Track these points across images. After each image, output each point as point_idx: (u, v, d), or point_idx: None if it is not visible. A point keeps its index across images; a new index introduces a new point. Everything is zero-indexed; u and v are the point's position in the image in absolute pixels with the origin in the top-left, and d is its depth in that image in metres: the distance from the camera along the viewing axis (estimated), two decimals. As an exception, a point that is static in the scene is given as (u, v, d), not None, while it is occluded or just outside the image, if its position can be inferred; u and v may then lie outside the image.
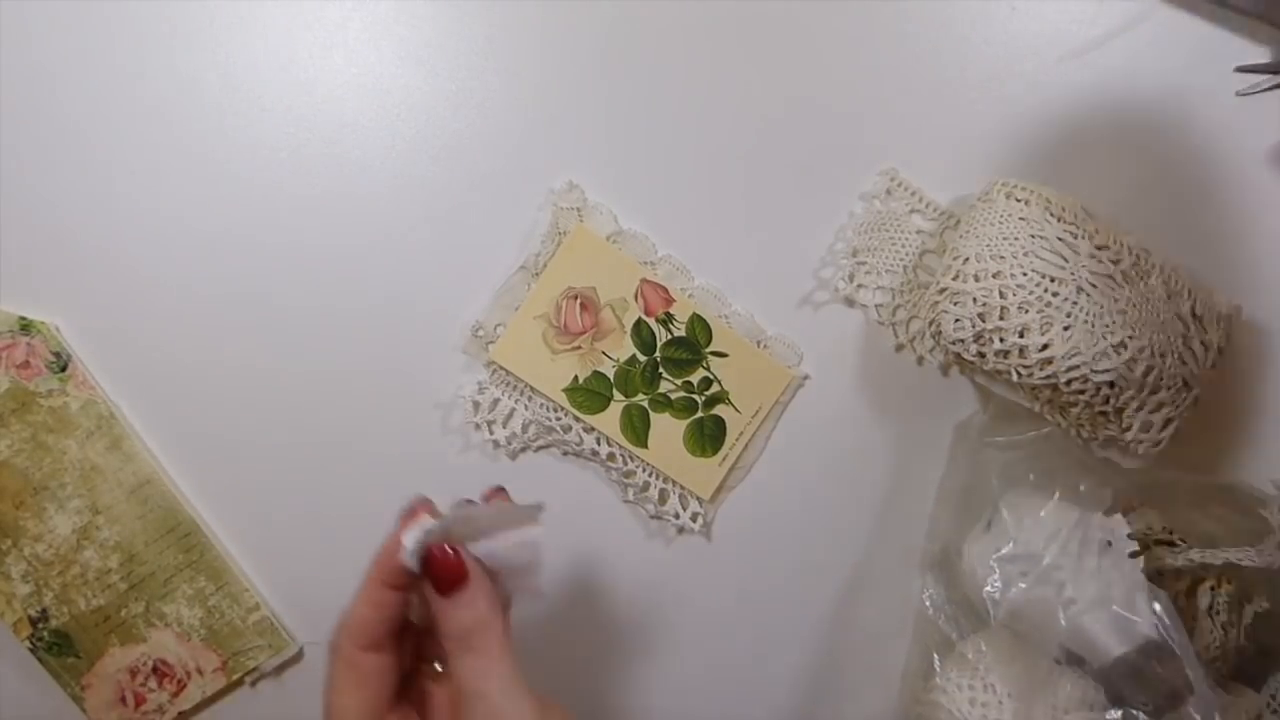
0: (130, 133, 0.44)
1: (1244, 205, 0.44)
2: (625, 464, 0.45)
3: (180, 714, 0.47)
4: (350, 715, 0.32)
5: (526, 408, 0.45)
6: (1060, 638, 0.38)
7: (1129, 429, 0.41)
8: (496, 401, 0.45)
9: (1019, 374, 0.40)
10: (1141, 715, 0.37)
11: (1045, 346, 0.37)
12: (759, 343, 0.45)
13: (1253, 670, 0.40)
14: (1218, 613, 0.40)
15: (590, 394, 0.43)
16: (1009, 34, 0.44)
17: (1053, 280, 0.38)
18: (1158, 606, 0.37)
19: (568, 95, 0.44)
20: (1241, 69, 0.42)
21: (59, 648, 0.46)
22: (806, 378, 0.45)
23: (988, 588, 0.40)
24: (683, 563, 0.47)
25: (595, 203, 0.44)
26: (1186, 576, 0.41)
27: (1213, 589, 0.41)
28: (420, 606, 0.33)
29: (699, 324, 0.43)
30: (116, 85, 0.44)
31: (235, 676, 0.47)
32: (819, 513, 0.47)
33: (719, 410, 0.44)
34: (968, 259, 0.39)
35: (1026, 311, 0.38)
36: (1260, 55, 0.43)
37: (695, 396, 0.43)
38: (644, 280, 0.43)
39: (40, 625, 0.45)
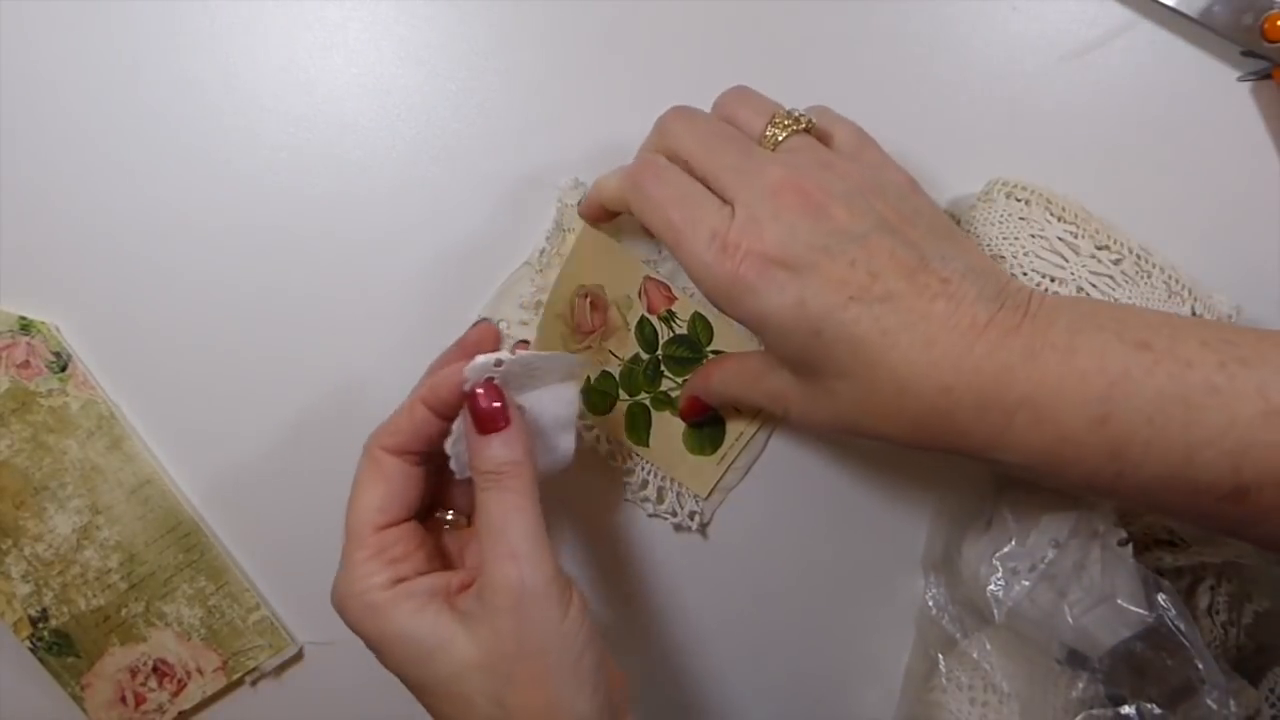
0: (130, 133, 0.44)
1: (1246, 205, 0.44)
2: (623, 462, 0.45)
3: (180, 714, 0.47)
4: (368, 509, 0.34)
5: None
6: (1063, 636, 0.38)
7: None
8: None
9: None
10: (1155, 709, 0.37)
11: (1046, 346, 0.37)
12: (760, 342, 0.45)
13: (1252, 667, 0.40)
14: (1217, 612, 0.40)
15: (599, 394, 0.43)
16: (1009, 34, 0.44)
17: (1053, 280, 0.38)
18: (1162, 598, 0.37)
19: (569, 94, 0.44)
20: (1246, 53, 0.41)
21: (59, 647, 0.46)
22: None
23: (991, 586, 0.40)
24: (680, 562, 0.47)
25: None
26: (1186, 576, 0.41)
27: (1212, 588, 0.41)
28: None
29: (700, 322, 0.43)
30: (117, 85, 0.44)
31: (235, 676, 0.47)
32: (819, 512, 0.47)
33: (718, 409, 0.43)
34: (968, 259, 0.39)
35: (1027, 311, 0.38)
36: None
37: None
38: (647, 278, 0.43)
39: (40, 625, 0.45)
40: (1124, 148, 0.44)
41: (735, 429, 0.43)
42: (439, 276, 0.45)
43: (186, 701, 0.46)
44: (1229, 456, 0.28)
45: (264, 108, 0.44)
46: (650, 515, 0.46)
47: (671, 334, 0.42)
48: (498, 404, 0.33)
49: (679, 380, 0.42)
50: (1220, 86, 0.43)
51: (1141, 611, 0.37)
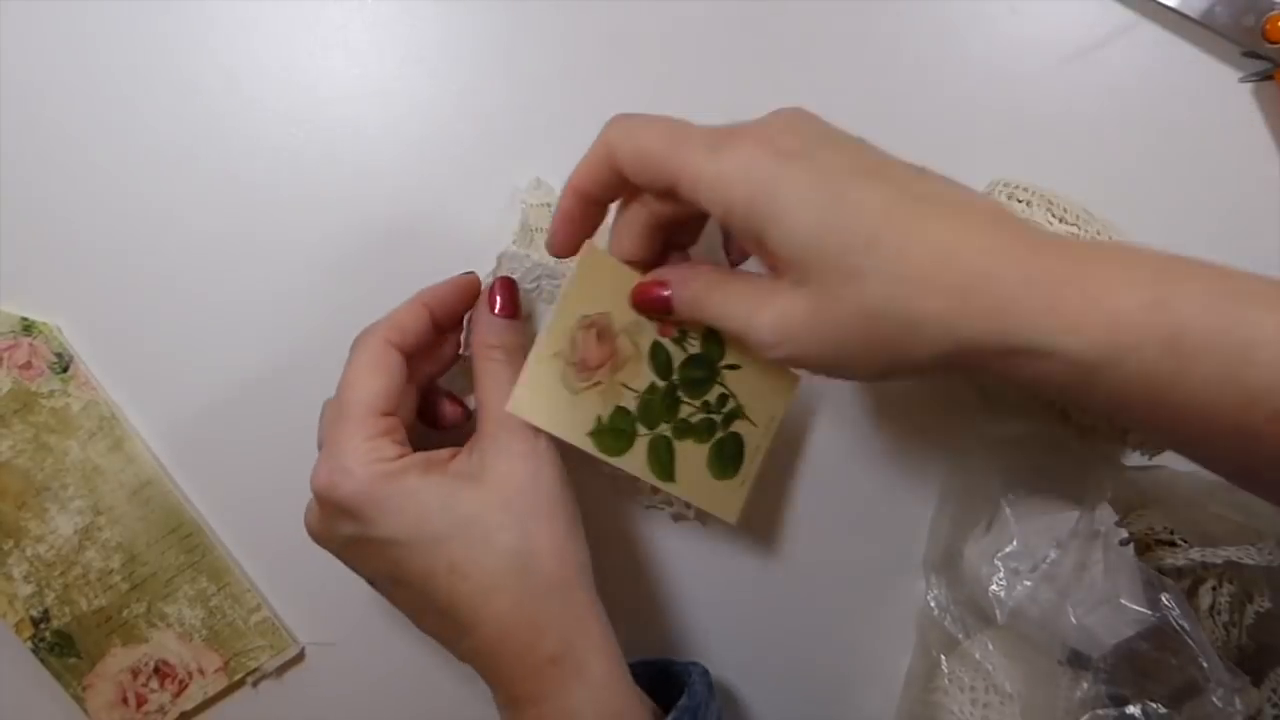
0: (131, 133, 0.44)
1: (1247, 206, 0.44)
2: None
3: (182, 714, 0.47)
4: (373, 394, 0.36)
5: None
6: (1065, 636, 0.38)
7: (1130, 429, 0.42)
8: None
9: (1021, 374, 0.40)
10: (1160, 708, 0.37)
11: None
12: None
13: (1254, 667, 0.40)
14: (1219, 613, 0.40)
15: (614, 434, 0.38)
16: (1009, 34, 0.44)
17: (1054, 280, 0.38)
18: (1166, 597, 0.37)
19: (571, 95, 0.44)
20: (1247, 54, 0.41)
21: (61, 648, 0.46)
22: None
23: (993, 587, 0.40)
24: (680, 556, 0.47)
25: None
26: (1187, 577, 0.41)
27: (1214, 589, 0.41)
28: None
29: (712, 338, 0.39)
30: (117, 86, 0.44)
31: (237, 677, 0.47)
32: (819, 512, 0.47)
33: (736, 426, 0.39)
34: (970, 259, 0.39)
35: (1028, 312, 0.38)
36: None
37: (714, 416, 0.39)
38: None
39: (42, 626, 0.45)
40: (1125, 149, 0.44)
41: (752, 443, 0.40)
42: (445, 275, 0.44)
43: (188, 702, 0.46)
44: None
45: (265, 109, 0.44)
46: (647, 507, 0.46)
47: (685, 355, 0.38)
48: (515, 295, 0.39)
49: (696, 403, 0.39)
50: (1221, 87, 0.43)
51: (1145, 611, 0.37)
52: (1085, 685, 0.38)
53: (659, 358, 0.38)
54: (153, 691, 0.46)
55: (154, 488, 0.45)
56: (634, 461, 0.38)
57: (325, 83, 0.44)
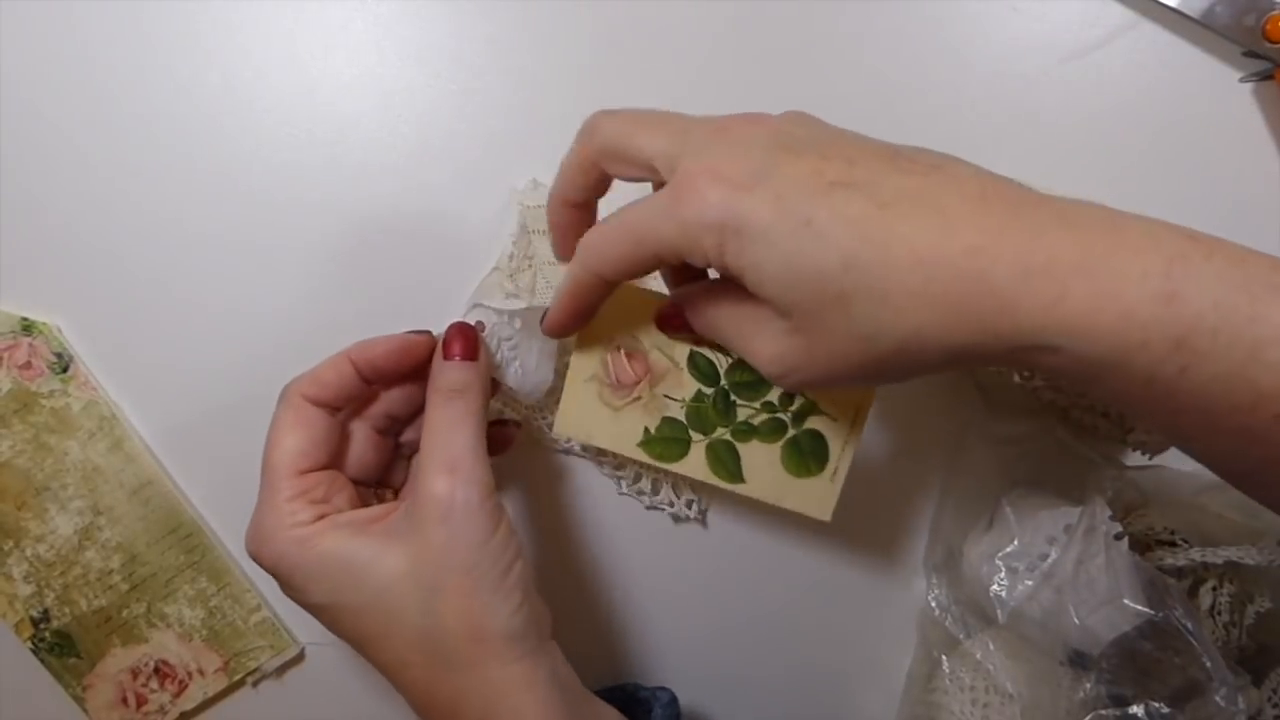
0: (131, 133, 0.44)
1: (1247, 206, 0.44)
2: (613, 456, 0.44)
3: (182, 714, 0.47)
4: (289, 452, 0.34)
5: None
6: (1066, 636, 0.38)
7: (1131, 429, 0.42)
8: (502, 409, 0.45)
9: (1021, 375, 0.40)
10: (1162, 708, 0.37)
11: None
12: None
13: (1254, 668, 0.40)
14: (1219, 613, 0.40)
15: (667, 442, 0.38)
16: (1009, 34, 0.44)
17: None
18: (1168, 596, 0.37)
19: (572, 96, 0.44)
20: (1247, 54, 0.41)
21: (61, 648, 0.46)
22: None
23: (994, 587, 0.40)
24: (680, 556, 0.47)
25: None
26: (1188, 577, 0.41)
27: (1214, 589, 0.41)
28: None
29: None
30: (117, 86, 0.44)
31: (237, 677, 0.47)
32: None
33: (812, 423, 0.38)
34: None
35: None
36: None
37: (780, 415, 0.38)
38: None
39: (42, 626, 0.45)
40: (1125, 148, 0.44)
41: (838, 436, 0.38)
42: (445, 276, 0.45)
43: (188, 702, 0.46)
44: None
45: (265, 109, 0.44)
46: (648, 508, 0.46)
47: (730, 360, 0.37)
48: (474, 341, 0.36)
49: (755, 406, 0.38)
50: (1222, 87, 0.43)
51: (1147, 610, 0.37)
52: (1086, 685, 0.38)
53: (701, 366, 0.38)
54: (153, 692, 0.46)
55: (154, 488, 0.45)
56: (694, 466, 0.38)
57: (325, 83, 0.44)
